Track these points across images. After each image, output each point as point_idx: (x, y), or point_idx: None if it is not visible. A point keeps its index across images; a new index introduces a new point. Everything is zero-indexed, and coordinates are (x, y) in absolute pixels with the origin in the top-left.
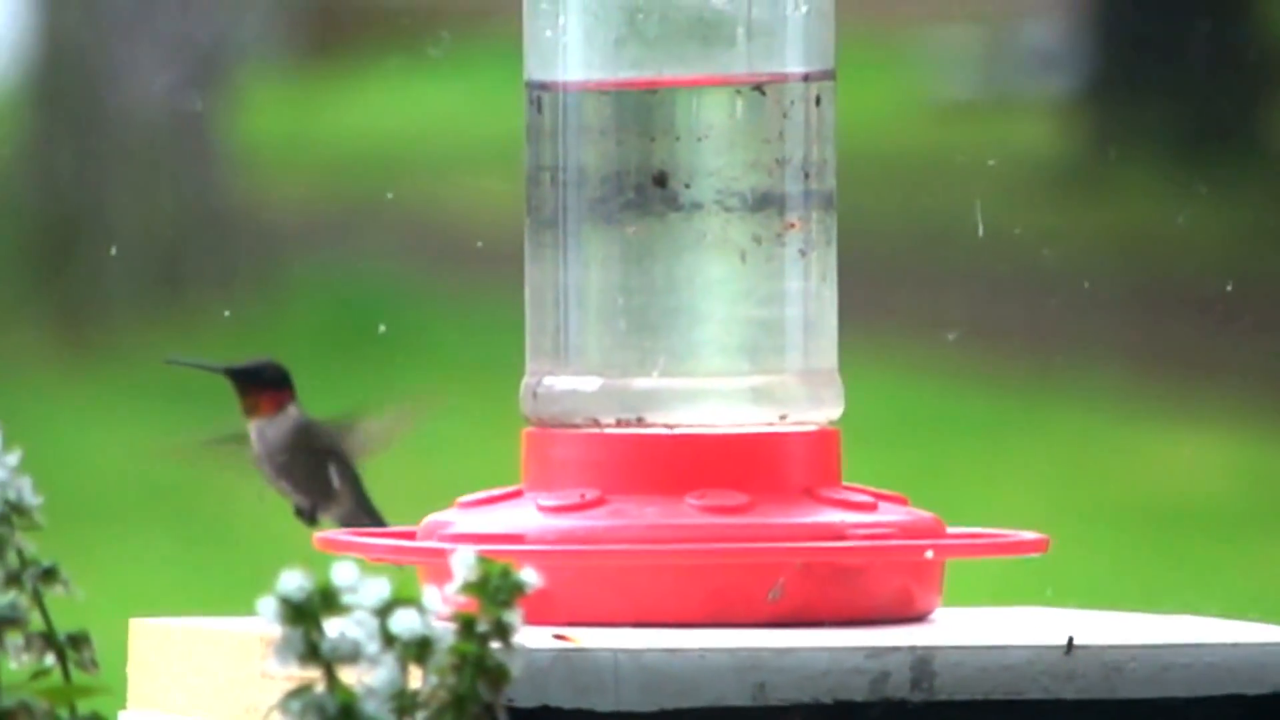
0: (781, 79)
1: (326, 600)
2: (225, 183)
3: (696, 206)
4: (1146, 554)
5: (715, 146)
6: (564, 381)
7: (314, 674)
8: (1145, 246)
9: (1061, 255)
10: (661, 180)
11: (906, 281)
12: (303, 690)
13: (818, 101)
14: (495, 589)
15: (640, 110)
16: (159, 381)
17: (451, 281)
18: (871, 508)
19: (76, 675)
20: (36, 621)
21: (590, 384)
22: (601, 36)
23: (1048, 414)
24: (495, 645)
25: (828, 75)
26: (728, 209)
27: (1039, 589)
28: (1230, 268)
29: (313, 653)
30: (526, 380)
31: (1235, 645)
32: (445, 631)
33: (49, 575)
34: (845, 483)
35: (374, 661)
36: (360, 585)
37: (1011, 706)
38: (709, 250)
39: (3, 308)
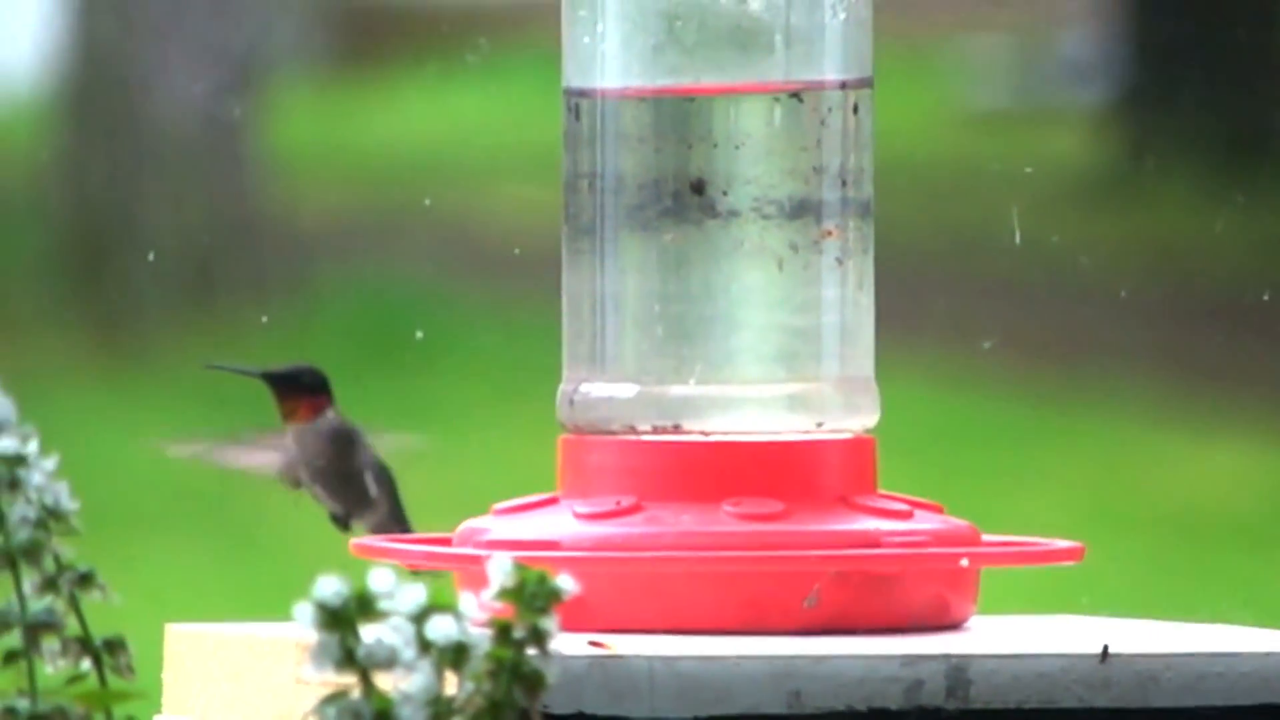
0: (819, 86)
1: (363, 606)
2: (259, 190)
3: (734, 214)
4: (1178, 563)
5: (753, 154)
6: (601, 388)
7: (350, 680)
8: (1178, 256)
9: (1095, 264)
10: (699, 188)
11: (938, 290)
12: (338, 696)
13: (855, 109)
14: (532, 595)
15: (678, 117)
16: (193, 388)
17: (485, 288)
18: (907, 515)
19: (112, 680)
20: (73, 626)
21: (627, 391)
22: (640, 43)
23: (1080, 423)
24: (531, 651)
25: (865, 83)
26: (765, 216)
27: (1073, 598)
28: (1264, 277)
29: (349, 658)
30: (563, 387)
31: (1269, 655)
32: (481, 638)
33: (85, 580)
34: (880, 490)
35: (410, 667)
36: (397, 591)
37: (1046, 715)
38: (746, 258)
39: (38, 314)
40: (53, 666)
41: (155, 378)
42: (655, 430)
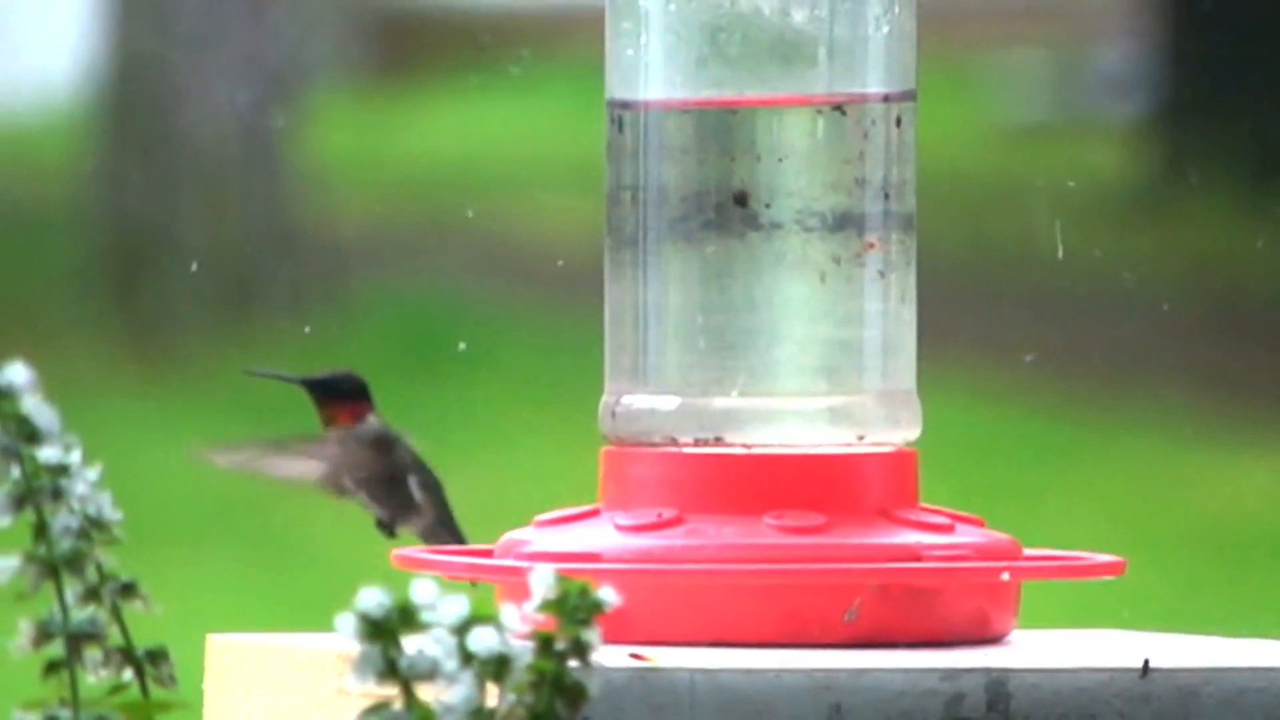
0: (862, 99)
1: (405, 617)
2: (296, 201)
3: (776, 226)
4: (1216, 579)
5: (795, 166)
6: (643, 400)
7: (392, 691)
8: (1215, 270)
9: (1131, 279)
10: (742, 200)
11: (975, 304)
12: (380, 707)
13: (898, 122)
14: (574, 607)
15: (721, 130)
16: (230, 399)
17: (523, 300)
18: (948, 529)
19: (154, 691)
20: (115, 636)
21: (669, 403)
22: (683, 56)
23: (1119, 438)
24: (573, 664)
25: (909, 96)
26: (807, 229)
27: (1113, 612)
28: None
29: (391, 670)
30: (605, 399)
31: None
32: (523, 649)
33: (128, 590)
34: (921, 504)
35: (452, 679)
36: (439, 603)
37: None
38: (788, 270)
39: (76, 325)
40: (95, 677)
41: (192, 388)
42: (697, 442)
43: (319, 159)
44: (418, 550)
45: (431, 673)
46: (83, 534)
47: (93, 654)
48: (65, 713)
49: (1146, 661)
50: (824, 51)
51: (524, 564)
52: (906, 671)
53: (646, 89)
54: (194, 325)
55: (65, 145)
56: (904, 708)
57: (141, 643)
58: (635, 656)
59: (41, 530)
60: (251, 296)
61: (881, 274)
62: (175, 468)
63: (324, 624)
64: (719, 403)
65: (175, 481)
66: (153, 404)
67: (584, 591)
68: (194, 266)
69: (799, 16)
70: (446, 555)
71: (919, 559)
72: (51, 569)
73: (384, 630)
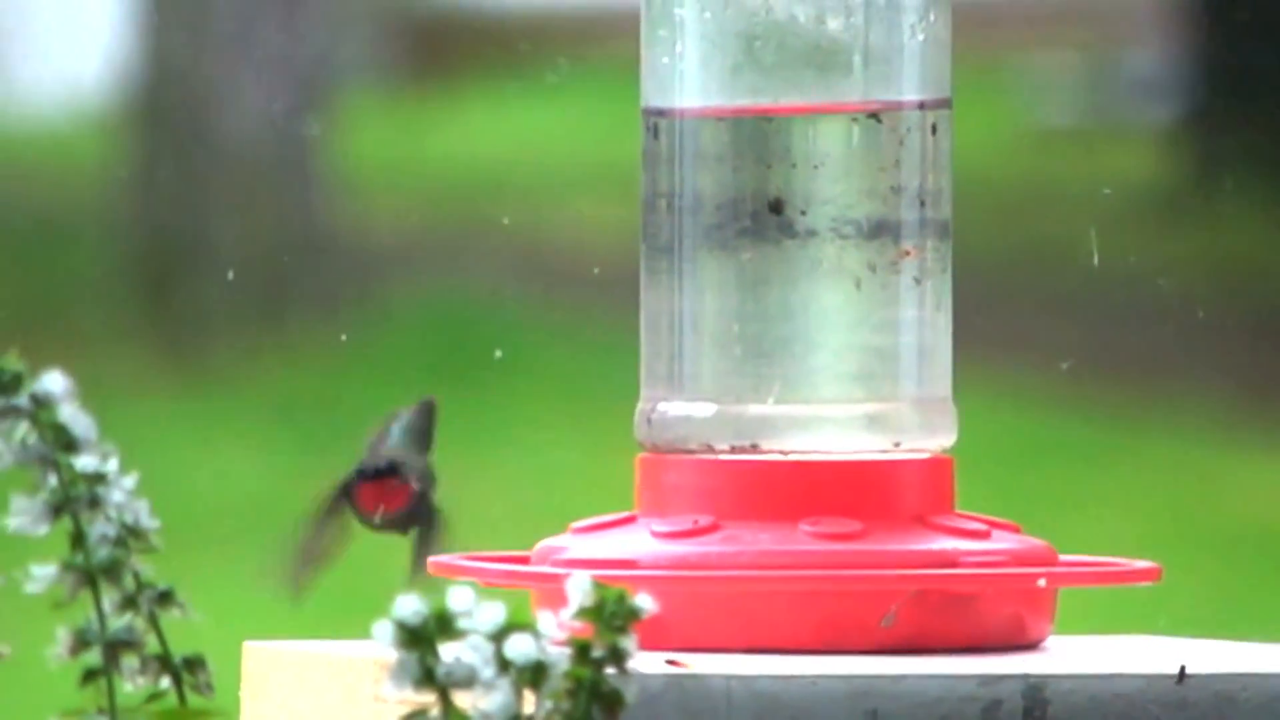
0: (897, 107)
1: (442, 625)
2: (329, 205)
3: (812, 234)
4: (1253, 581)
5: (831, 174)
6: (678, 407)
7: (429, 698)
8: (1247, 273)
9: (1164, 283)
10: (777, 207)
11: (1005, 308)
12: (417, 715)
13: (934, 130)
14: (611, 615)
15: (756, 137)
16: (265, 404)
17: (558, 305)
18: (984, 535)
19: (191, 698)
20: (152, 644)
21: (705, 410)
22: (719, 63)
23: (1152, 441)
24: (610, 671)
25: (944, 103)
26: (843, 236)
27: (1148, 616)
28: None
29: (428, 677)
30: (641, 406)
31: None
32: (560, 657)
33: (165, 598)
34: (957, 510)
35: (489, 686)
36: (476, 610)
37: None
38: (824, 277)
39: (108, 330)
40: (132, 684)
41: (225, 394)
42: (733, 449)
43: (353, 163)
44: (455, 557)
45: (469, 680)
46: (120, 542)
47: (130, 662)
48: None
49: (1183, 667)
50: (859, 59)
51: (560, 571)
52: (944, 677)
53: (682, 97)
54: (227, 330)
55: (98, 150)
56: (941, 713)
57: (179, 650)
58: (672, 663)
59: (79, 539)
60: (285, 301)
61: (917, 281)
62: (209, 472)
63: (359, 626)
64: (755, 410)
65: (210, 486)
66: (187, 409)
67: (621, 598)
68: (229, 273)
69: (834, 24)
70: (484, 562)
71: (955, 565)
72: (89, 577)
73: (421, 637)
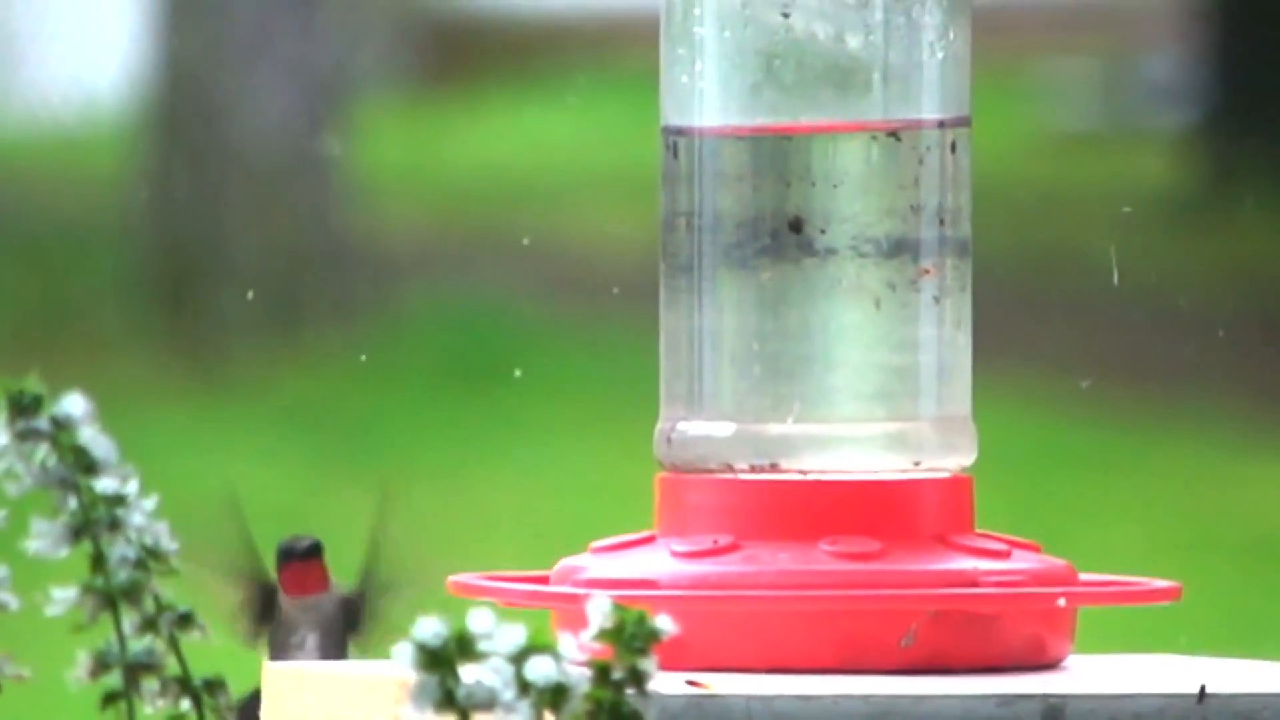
0: (917, 125)
1: (462, 647)
2: (346, 212)
3: (831, 252)
4: (1271, 590)
5: (850, 192)
6: (698, 427)
7: None
8: (1265, 280)
9: (1180, 289)
10: (797, 226)
11: (1021, 314)
12: None
13: (953, 148)
14: (630, 636)
15: (776, 156)
16: (280, 410)
17: (575, 313)
18: (1004, 555)
19: None
20: (172, 666)
21: (724, 429)
22: (738, 82)
23: (1168, 448)
24: (630, 692)
25: (963, 122)
26: (862, 255)
27: (1165, 627)
28: None
29: (449, 699)
30: (660, 425)
31: None
32: (580, 678)
33: (185, 620)
34: (977, 529)
35: (509, 708)
36: (496, 632)
37: None
38: (843, 296)
39: (124, 338)
40: (152, 707)
41: (241, 401)
42: (753, 469)
43: (369, 170)
44: (474, 576)
45: (489, 702)
46: (140, 564)
47: (150, 684)
48: None
49: (1203, 687)
50: (879, 77)
51: (581, 591)
52: (963, 698)
53: (701, 115)
54: (244, 338)
55: (114, 156)
56: None
57: (199, 672)
58: (692, 684)
59: (99, 561)
60: (301, 309)
61: (936, 300)
62: (224, 477)
63: (380, 634)
64: (775, 429)
65: (223, 490)
66: (203, 417)
67: (641, 620)
68: (237, 279)
69: (853, 42)
70: (504, 582)
71: (975, 585)
72: (109, 600)
73: (441, 660)
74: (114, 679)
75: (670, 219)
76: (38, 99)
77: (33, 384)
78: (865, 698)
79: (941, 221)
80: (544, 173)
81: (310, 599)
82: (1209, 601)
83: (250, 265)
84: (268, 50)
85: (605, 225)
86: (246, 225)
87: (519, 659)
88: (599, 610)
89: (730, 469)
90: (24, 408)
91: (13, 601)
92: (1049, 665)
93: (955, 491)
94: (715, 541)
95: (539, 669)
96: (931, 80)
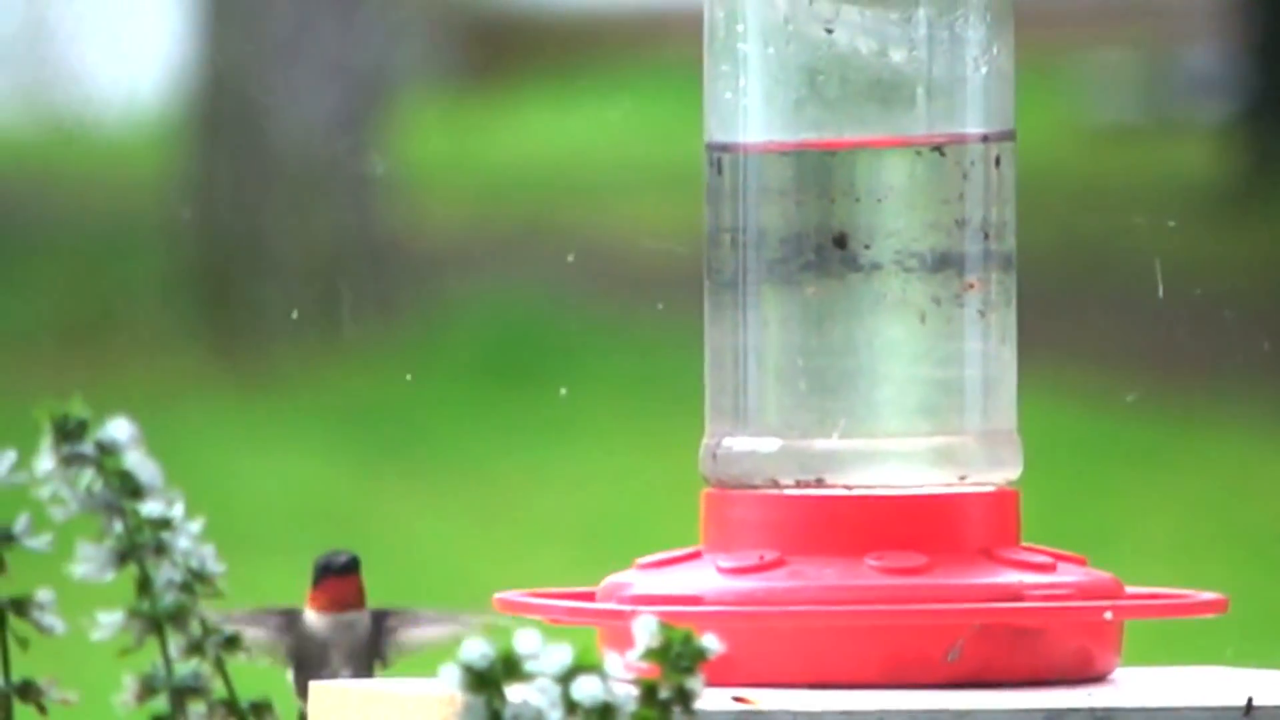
0: (961, 140)
1: (509, 667)
2: (386, 208)
3: (876, 267)
4: None
5: (894, 207)
6: (743, 443)
7: None
8: None
9: (1220, 279)
10: (841, 241)
11: (1061, 306)
12: None
13: (997, 162)
14: (677, 655)
15: (820, 171)
16: (319, 408)
17: (617, 306)
18: (1050, 569)
19: None
20: (219, 689)
21: (770, 445)
22: (781, 98)
23: (1209, 438)
24: (677, 711)
25: (1008, 136)
26: (907, 270)
27: (1213, 626)
28: None
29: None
30: (706, 441)
31: None
32: (627, 697)
33: (231, 643)
34: (1023, 543)
35: None
36: (542, 652)
37: None
38: (888, 311)
39: (165, 334)
40: None
41: (284, 397)
42: (798, 484)
43: (411, 167)
44: (520, 594)
45: None
46: (186, 588)
47: (197, 708)
48: None
49: (1250, 699)
50: (922, 92)
51: (626, 608)
52: (1010, 712)
53: (745, 132)
54: (286, 334)
55: (156, 155)
56: None
57: (245, 692)
58: (738, 700)
59: (145, 585)
60: (343, 306)
61: (981, 314)
62: (269, 476)
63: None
64: (820, 444)
65: (269, 489)
66: (246, 413)
67: (687, 640)
68: (287, 283)
69: (897, 58)
70: (550, 600)
71: (1021, 599)
72: (155, 624)
73: (488, 680)
74: (160, 703)
75: (715, 235)
76: (80, 100)
77: (77, 407)
78: (911, 713)
79: (986, 235)
80: (585, 166)
81: (344, 617)
82: (1255, 596)
83: (293, 263)
84: (309, 48)
85: (648, 217)
86: (289, 223)
87: (566, 679)
88: (645, 630)
89: (776, 484)
90: (69, 432)
91: (59, 625)
92: (1096, 678)
93: (1001, 505)
94: (761, 557)
95: (586, 689)
96: (975, 94)
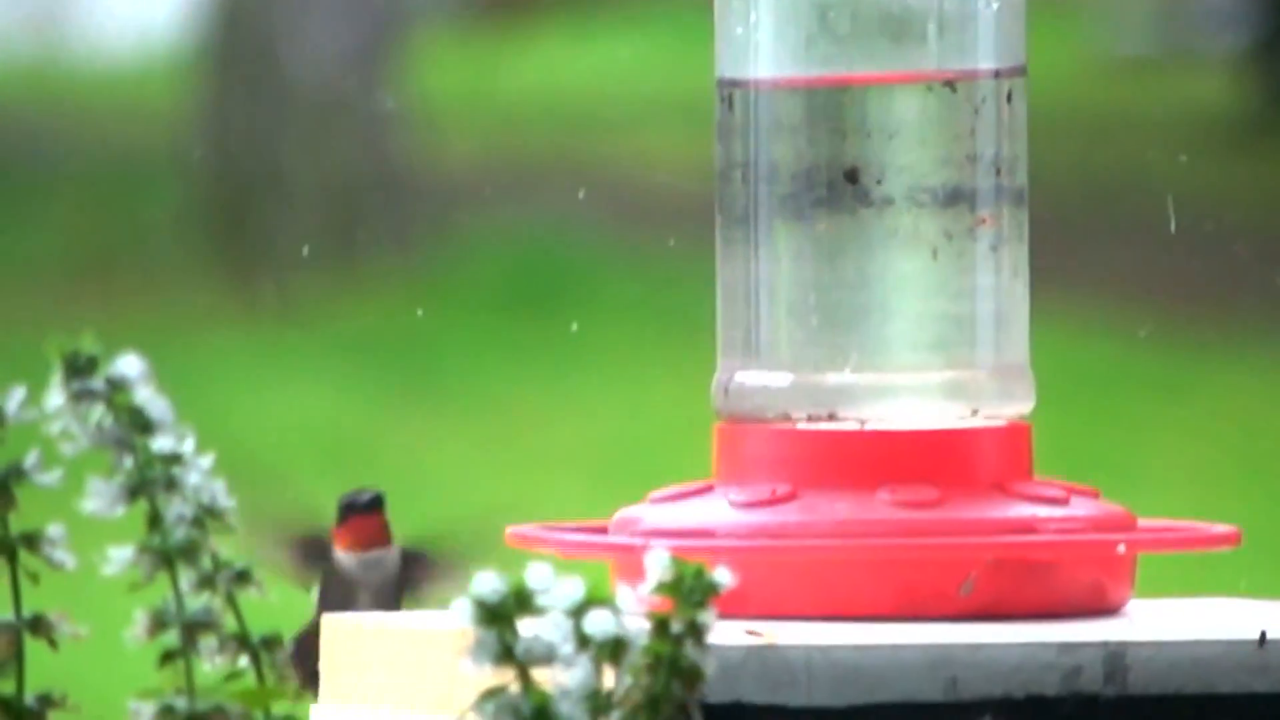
0: (973, 75)
1: (521, 602)
2: (403, 141)
3: (888, 203)
4: None
5: (906, 143)
6: (755, 377)
7: (508, 675)
8: None
9: (1234, 213)
10: (853, 177)
11: (1075, 239)
12: (497, 691)
13: (1009, 98)
14: (689, 590)
15: (831, 107)
16: (337, 339)
17: (628, 236)
18: (1063, 502)
19: (270, 678)
20: (230, 624)
21: (782, 380)
22: (793, 34)
23: (1218, 373)
24: (689, 645)
25: (1019, 71)
26: (919, 205)
27: (1227, 558)
28: None
29: (507, 654)
30: (718, 376)
31: None
32: (639, 631)
33: (242, 578)
34: (1036, 477)
35: (568, 662)
36: (554, 586)
37: (1204, 701)
38: (900, 246)
39: (181, 267)
40: (210, 664)
41: (299, 331)
42: (810, 419)
43: (424, 99)
44: (532, 528)
45: (548, 656)
46: (197, 523)
47: (208, 642)
48: (181, 702)
49: (1264, 633)
50: (934, 28)
51: (639, 542)
52: (1023, 645)
53: (756, 68)
54: (302, 266)
55: (170, 88)
56: (1021, 681)
57: (256, 627)
58: (751, 633)
59: (155, 520)
60: (357, 236)
61: (993, 249)
62: (282, 408)
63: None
64: (832, 379)
65: (282, 422)
66: (261, 345)
67: (699, 574)
68: (302, 215)
69: None
70: (562, 533)
71: (1033, 532)
72: (166, 558)
73: (500, 615)
74: (171, 637)
75: (726, 171)
76: (94, 32)
77: (88, 343)
78: (924, 646)
79: (998, 171)
80: (600, 102)
81: (371, 555)
82: (1268, 528)
83: (308, 195)
84: None
85: (662, 148)
86: (303, 157)
87: (577, 613)
88: (657, 563)
89: (788, 419)
90: (79, 368)
91: (69, 560)
92: (1109, 611)
93: (1013, 439)
94: (774, 491)
95: (598, 623)
96: (987, 30)
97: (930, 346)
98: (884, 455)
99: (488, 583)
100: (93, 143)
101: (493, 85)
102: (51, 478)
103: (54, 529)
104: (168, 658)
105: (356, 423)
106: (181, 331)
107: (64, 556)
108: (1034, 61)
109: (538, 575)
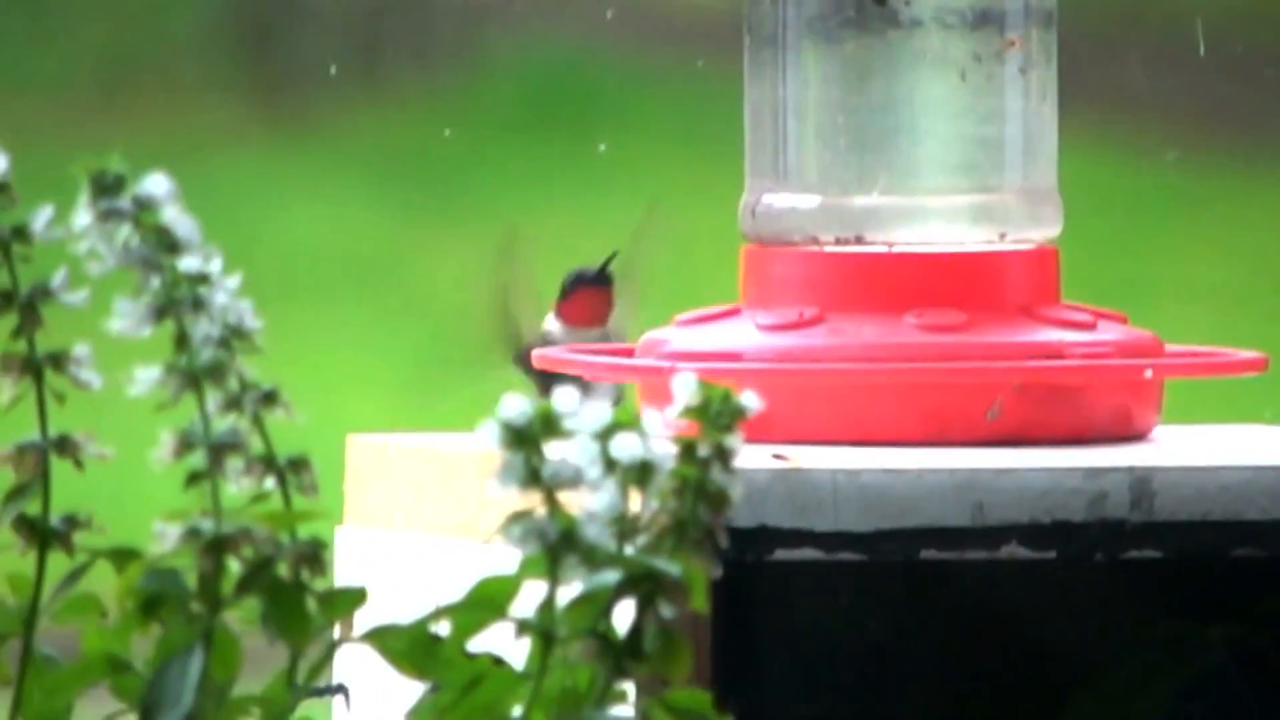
0: None
1: (547, 425)
2: None
3: (916, 24)
4: None
5: None
6: (783, 199)
7: (534, 498)
8: None
9: (1266, 34)
10: None
11: (1103, 61)
12: (523, 514)
13: None
14: (716, 413)
15: None
16: (360, 155)
17: (653, 59)
18: (1090, 326)
19: (296, 498)
20: (257, 445)
21: (809, 202)
22: None
23: (1247, 195)
24: (715, 469)
25: None
26: (947, 27)
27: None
28: None
29: (533, 477)
30: (745, 198)
31: None
32: (666, 455)
33: (269, 399)
34: (1063, 301)
35: (595, 486)
36: (581, 409)
37: (1229, 527)
38: (929, 68)
39: (202, 83)
40: (236, 486)
41: (321, 147)
42: (838, 241)
43: None
44: (559, 350)
45: (574, 480)
46: (224, 343)
47: (234, 464)
48: (207, 524)
49: None
50: None
51: (665, 364)
52: (1049, 470)
53: None
54: (321, 82)
55: None
56: (1046, 506)
57: (283, 448)
58: (778, 456)
59: (182, 340)
60: (379, 52)
61: (1022, 71)
62: (306, 224)
63: (454, 381)
64: (860, 201)
65: (306, 238)
66: (282, 162)
67: (726, 397)
68: (324, 31)
69: None
70: (588, 355)
71: (1061, 356)
72: (192, 379)
73: (526, 438)
74: (198, 458)
75: None
76: None
77: (115, 162)
78: (951, 471)
79: None
80: None
81: (592, 330)
82: None
83: (331, 13)
84: None
85: None
86: None
87: (604, 436)
88: (685, 387)
89: (815, 241)
90: (106, 187)
91: (96, 380)
92: (1136, 437)
93: (1041, 263)
94: (801, 314)
95: (624, 446)
96: None
97: (958, 169)
98: (911, 278)
99: (515, 405)
100: None
101: None
102: (78, 297)
103: (80, 348)
104: (194, 479)
105: (379, 239)
106: (204, 150)
107: (90, 376)
108: None
109: (565, 398)
